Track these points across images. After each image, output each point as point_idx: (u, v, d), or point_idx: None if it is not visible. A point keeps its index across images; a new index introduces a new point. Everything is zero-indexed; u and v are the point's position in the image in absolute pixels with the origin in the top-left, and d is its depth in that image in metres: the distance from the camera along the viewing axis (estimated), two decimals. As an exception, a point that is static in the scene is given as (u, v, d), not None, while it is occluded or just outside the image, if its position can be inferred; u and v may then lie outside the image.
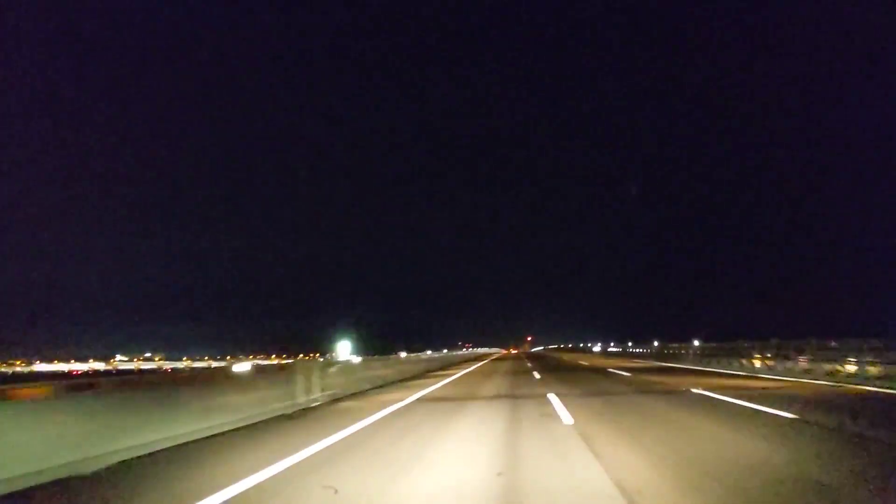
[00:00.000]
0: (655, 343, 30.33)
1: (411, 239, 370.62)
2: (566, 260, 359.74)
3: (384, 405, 10.41)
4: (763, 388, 11.62)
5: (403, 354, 21.55)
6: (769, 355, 16.05)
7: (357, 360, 16.81)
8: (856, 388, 11.34)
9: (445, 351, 36.95)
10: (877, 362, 11.92)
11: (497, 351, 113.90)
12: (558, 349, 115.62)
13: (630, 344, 62.35)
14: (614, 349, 66.88)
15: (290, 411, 9.47)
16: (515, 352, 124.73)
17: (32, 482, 4.39)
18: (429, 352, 34.35)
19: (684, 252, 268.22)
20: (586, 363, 28.86)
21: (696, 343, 22.83)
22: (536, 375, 18.85)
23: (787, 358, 15.23)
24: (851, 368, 12.75)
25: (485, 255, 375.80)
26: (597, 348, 70.16)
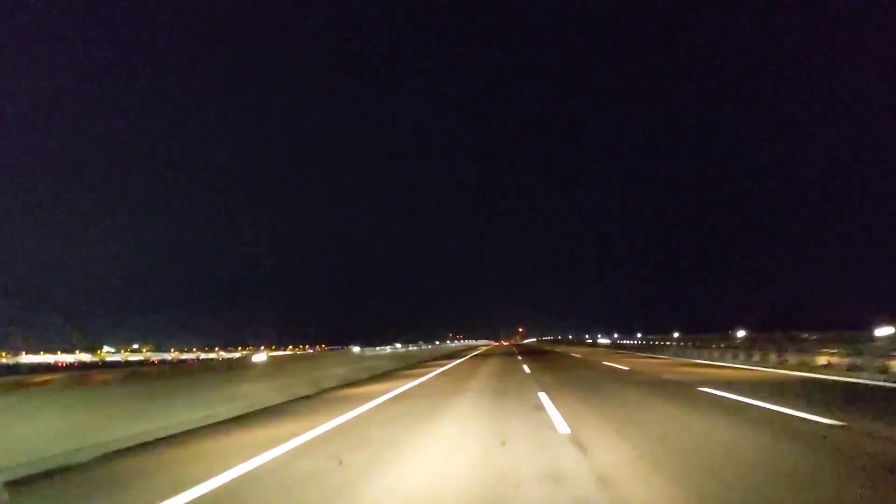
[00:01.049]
0: (741, 333, 19.03)
1: (403, 232, 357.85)
2: (556, 250, 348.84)
3: None
4: None
5: (259, 357, 10.21)
6: None
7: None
8: None
9: (398, 346, 25.70)
10: None
11: (486, 343, 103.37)
12: (553, 341, 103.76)
13: (616, 335, 52.27)
14: (603, 340, 57.63)
15: None
16: (507, 344, 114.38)
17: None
18: (356, 348, 22.78)
19: (680, 243, 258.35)
20: (622, 366, 17.56)
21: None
22: (561, 427, 6.42)
23: None
24: None
25: (474, 247, 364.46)
26: (604, 340, 59.26)
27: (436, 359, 29.70)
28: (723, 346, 18.62)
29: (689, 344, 22.40)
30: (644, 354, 25.30)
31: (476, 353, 42.75)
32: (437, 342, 43.63)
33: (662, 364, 17.78)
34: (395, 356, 23.41)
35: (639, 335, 33.34)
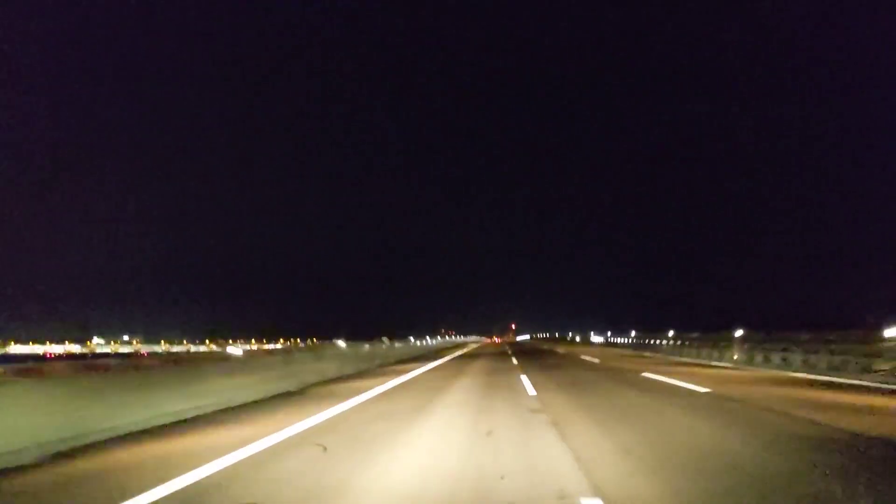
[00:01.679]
0: (893, 331, 12.19)
1: (395, 226, 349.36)
2: (550, 244, 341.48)
3: None
4: None
5: None
6: None
7: None
8: None
9: (341, 344, 18.86)
10: None
11: (477, 340, 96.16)
12: (551, 339, 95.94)
13: (634, 333, 45.46)
14: (597, 339, 51.24)
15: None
16: (499, 341, 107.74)
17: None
18: (236, 350, 15.78)
19: (677, 238, 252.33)
20: (690, 384, 10.74)
21: None
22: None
23: None
24: None
25: (465, 243, 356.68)
26: (597, 339, 52.50)
27: (409, 360, 22.92)
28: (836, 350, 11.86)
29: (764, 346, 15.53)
30: (689, 361, 18.42)
31: (462, 352, 35.96)
32: (413, 339, 36.65)
33: (758, 381, 10.97)
34: (346, 357, 16.67)
35: (671, 333, 26.21)
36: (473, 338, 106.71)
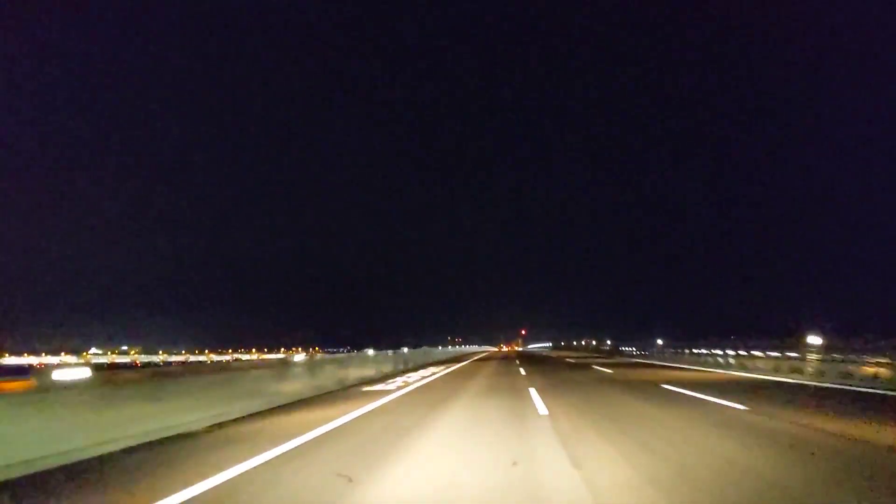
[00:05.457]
0: None
1: (403, 231, 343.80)
2: (564, 243, 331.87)
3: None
4: None
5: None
6: None
7: None
8: None
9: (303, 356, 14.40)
10: None
11: (477, 350, 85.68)
12: (574, 347, 74.22)
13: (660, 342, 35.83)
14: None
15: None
16: (507, 349, 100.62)
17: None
18: None
19: (702, 237, 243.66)
20: None
21: None
22: None
23: None
24: None
25: (473, 240, 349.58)
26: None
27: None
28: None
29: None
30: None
31: (449, 370, 27.18)
32: (406, 349, 31.69)
33: None
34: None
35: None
36: (474, 347, 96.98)
